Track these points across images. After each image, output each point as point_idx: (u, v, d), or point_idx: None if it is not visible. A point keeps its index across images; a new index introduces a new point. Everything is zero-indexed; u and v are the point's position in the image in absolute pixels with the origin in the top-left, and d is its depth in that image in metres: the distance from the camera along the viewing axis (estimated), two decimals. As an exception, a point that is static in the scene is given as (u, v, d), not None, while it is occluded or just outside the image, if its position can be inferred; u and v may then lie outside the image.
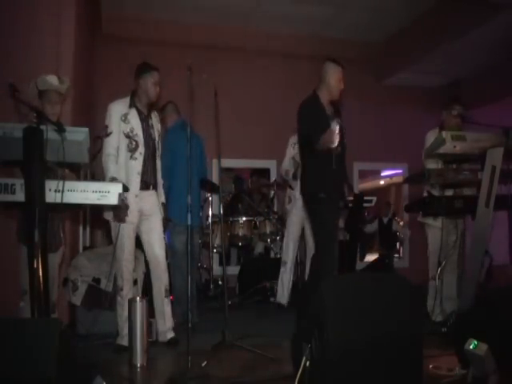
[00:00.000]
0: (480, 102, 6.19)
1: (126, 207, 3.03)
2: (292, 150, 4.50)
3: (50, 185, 2.28)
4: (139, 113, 3.23)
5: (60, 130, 2.28)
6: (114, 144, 3.12)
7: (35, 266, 2.14)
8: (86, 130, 2.44)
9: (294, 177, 4.45)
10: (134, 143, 3.15)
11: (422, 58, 6.22)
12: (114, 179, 3.03)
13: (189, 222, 2.95)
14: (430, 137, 3.65)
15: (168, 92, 5.34)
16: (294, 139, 4.40)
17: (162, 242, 3.32)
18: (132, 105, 3.21)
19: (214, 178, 5.83)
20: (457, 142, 3.11)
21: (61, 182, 2.30)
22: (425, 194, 3.74)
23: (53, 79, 2.97)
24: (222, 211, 3.49)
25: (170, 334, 3.30)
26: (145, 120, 3.25)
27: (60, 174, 2.71)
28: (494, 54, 5.97)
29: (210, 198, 5.34)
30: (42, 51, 3.65)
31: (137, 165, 3.15)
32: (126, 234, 3.14)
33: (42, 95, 2.94)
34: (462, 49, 5.80)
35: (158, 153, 3.35)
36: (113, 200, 2.39)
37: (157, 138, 3.32)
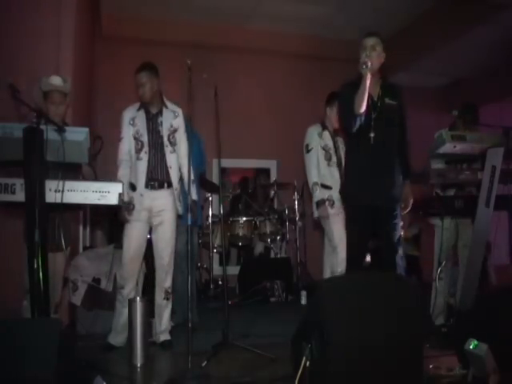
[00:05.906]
0: (480, 102, 6.18)
1: (130, 207, 3.12)
2: (320, 140, 3.87)
3: (50, 185, 2.28)
4: (147, 113, 3.28)
5: (60, 129, 2.28)
6: (124, 149, 3.24)
7: (35, 266, 2.14)
8: (86, 130, 2.44)
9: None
10: (139, 144, 3.23)
11: (422, 58, 6.21)
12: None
13: (189, 222, 2.96)
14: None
15: (168, 92, 5.33)
16: (317, 128, 3.92)
17: (167, 242, 3.25)
18: (141, 107, 3.29)
19: (214, 178, 5.83)
20: (457, 142, 3.11)
21: (61, 182, 2.30)
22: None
23: (55, 80, 3.02)
24: (222, 211, 3.48)
25: (164, 337, 3.28)
26: (152, 119, 3.28)
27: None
28: (494, 54, 5.97)
29: (210, 198, 5.34)
30: (43, 52, 3.66)
31: (142, 164, 3.22)
32: (129, 233, 3.19)
33: (46, 96, 3.01)
34: (462, 49, 5.80)
35: (171, 148, 3.26)
36: (113, 200, 2.39)
37: (166, 134, 3.26)
